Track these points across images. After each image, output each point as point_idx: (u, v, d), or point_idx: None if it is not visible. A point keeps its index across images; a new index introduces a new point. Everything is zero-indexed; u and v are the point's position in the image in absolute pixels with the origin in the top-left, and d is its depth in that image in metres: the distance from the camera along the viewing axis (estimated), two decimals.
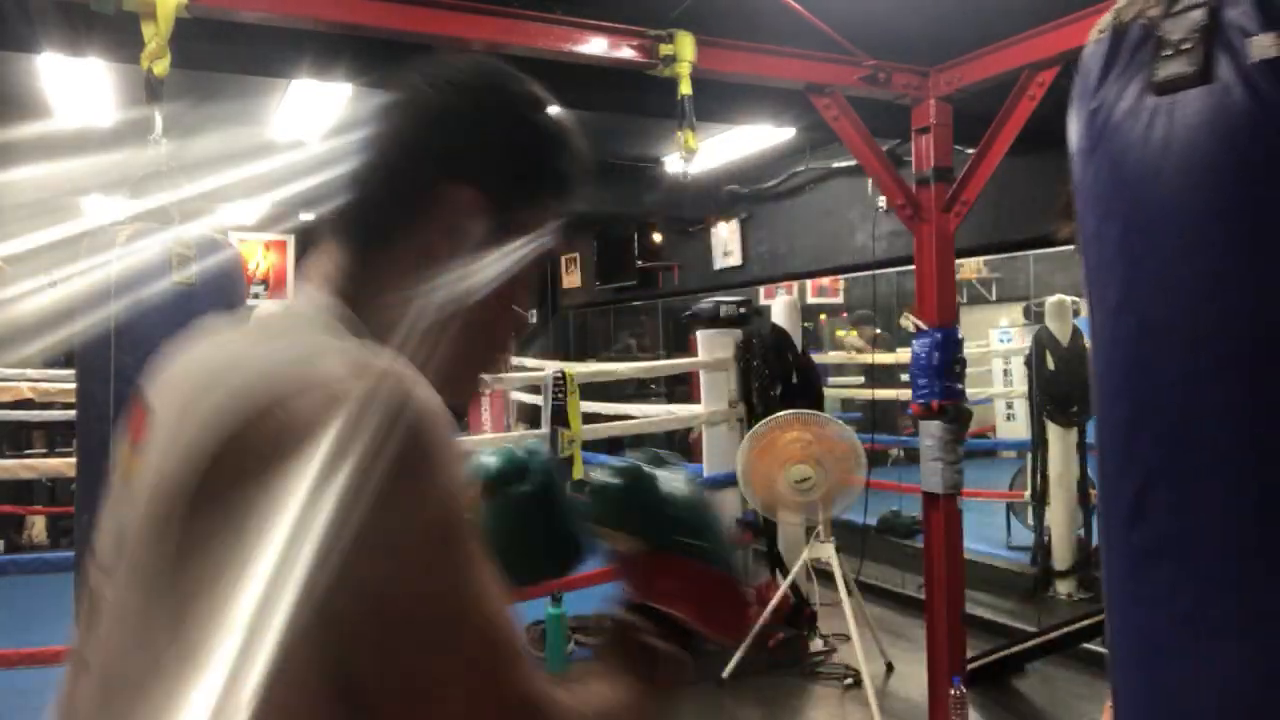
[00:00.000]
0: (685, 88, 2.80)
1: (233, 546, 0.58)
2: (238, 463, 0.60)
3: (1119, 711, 1.27)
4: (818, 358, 5.88)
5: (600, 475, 0.91)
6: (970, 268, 7.42)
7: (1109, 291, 1.24)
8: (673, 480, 0.89)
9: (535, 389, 4.81)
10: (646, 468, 0.90)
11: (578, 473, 4.68)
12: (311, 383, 0.62)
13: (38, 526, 6.96)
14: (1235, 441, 1.11)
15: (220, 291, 2.03)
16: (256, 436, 0.61)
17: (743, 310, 5.01)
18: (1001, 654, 4.11)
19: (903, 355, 5.58)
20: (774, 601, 4.33)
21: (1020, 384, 6.00)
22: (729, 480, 4.63)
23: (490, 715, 0.65)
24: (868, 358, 6.69)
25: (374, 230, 0.76)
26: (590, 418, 5.16)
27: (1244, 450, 1.11)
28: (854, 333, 7.46)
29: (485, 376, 0.83)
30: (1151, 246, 1.18)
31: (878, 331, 7.02)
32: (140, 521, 0.65)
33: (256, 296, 8.53)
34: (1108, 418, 1.26)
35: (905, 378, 5.52)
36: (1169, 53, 1.14)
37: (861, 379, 7.08)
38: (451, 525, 0.64)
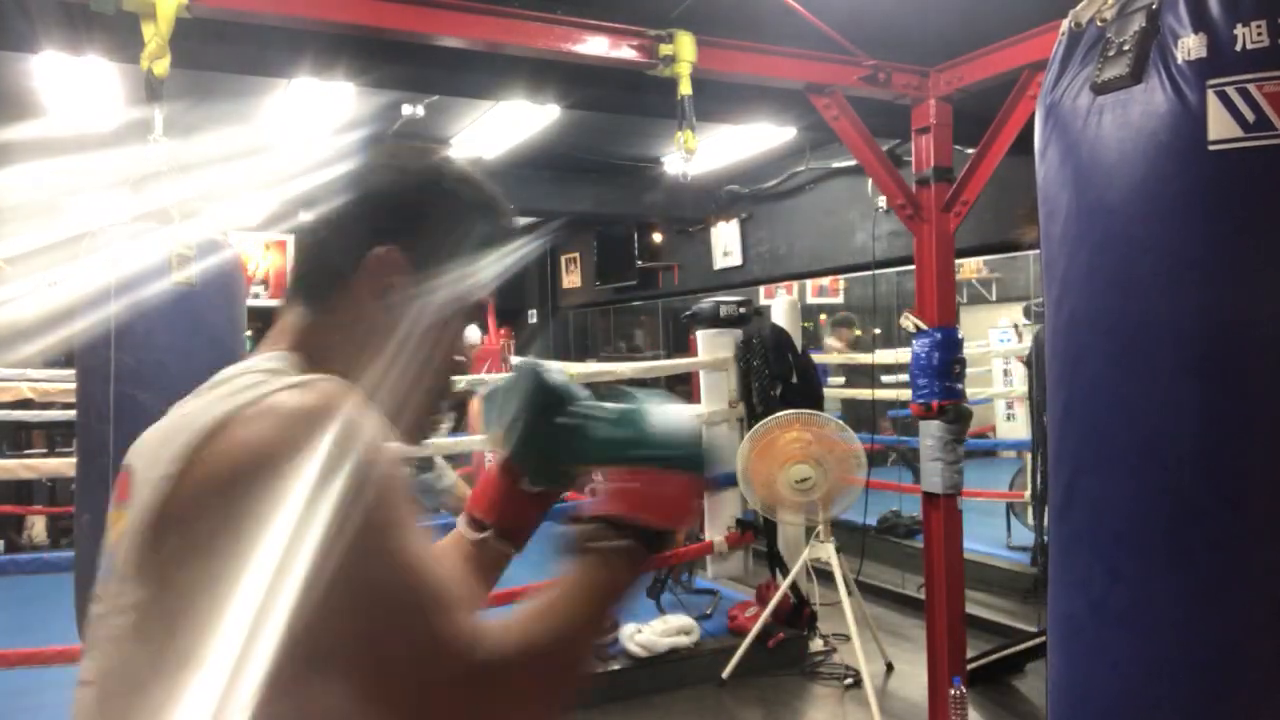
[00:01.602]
0: (685, 88, 2.80)
1: (204, 561, 0.70)
2: (196, 490, 0.72)
3: (1049, 690, 1.31)
4: (817, 358, 5.87)
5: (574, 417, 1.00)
6: (970, 268, 7.41)
7: (1052, 285, 1.28)
8: (611, 408, 0.97)
9: None
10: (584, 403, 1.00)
11: None
12: (253, 412, 0.73)
13: (38, 526, 6.96)
14: (1142, 440, 1.14)
15: (220, 291, 2.03)
16: (209, 465, 0.72)
17: (743, 310, 5.01)
18: (1001, 654, 4.11)
19: (882, 357, 5.59)
20: (774, 601, 4.33)
21: (1020, 384, 5.99)
22: (729, 480, 4.63)
23: (430, 665, 0.74)
24: (864, 358, 6.69)
25: (319, 292, 0.89)
26: None
27: (1150, 449, 1.14)
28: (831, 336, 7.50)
29: (434, 418, 0.96)
30: (1082, 241, 1.22)
31: (858, 333, 7.03)
32: (124, 556, 0.77)
33: (256, 296, 8.53)
34: (1051, 411, 1.30)
35: (886, 379, 5.56)
36: (1112, 53, 1.18)
37: (842, 379, 7.13)
38: (382, 513, 0.73)
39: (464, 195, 0.93)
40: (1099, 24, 1.23)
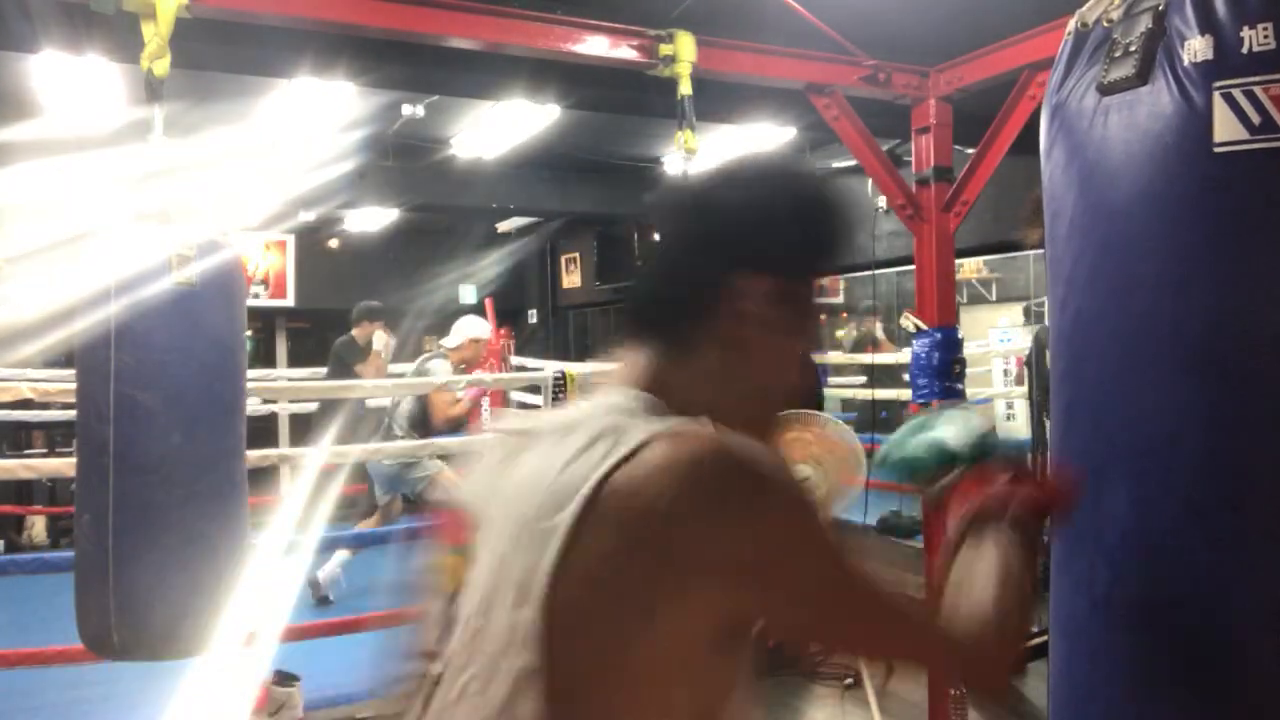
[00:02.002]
0: (685, 88, 2.80)
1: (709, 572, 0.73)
2: (680, 511, 0.72)
3: (1050, 691, 1.31)
4: (817, 358, 5.86)
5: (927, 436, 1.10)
6: (970, 268, 7.41)
7: (1057, 285, 1.28)
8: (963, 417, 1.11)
9: (535, 389, 4.80)
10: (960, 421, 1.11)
11: None
12: (710, 449, 0.74)
13: (38, 526, 6.95)
14: (1145, 440, 1.14)
15: (220, 291, 2.03)
16: (687, 498, 0.73)
17: None
18: None
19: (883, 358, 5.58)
20: None
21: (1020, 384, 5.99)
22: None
23: (915, 644, 0.86)
24: (864, 358, 6.68)
25: (677, 332, 0.85)
26: None
27: (1153, 449, 1.14)
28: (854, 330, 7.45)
29: (776, 432, 0.96)
30: (1087, 242, 1.22)
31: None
32: (520, 612, 0.74)
33: (256, 296, 8.52)
34: (1055, 409, 1.31)
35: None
36: (1118, 54, 1.17)
37: (864, 379, 7.06)
38: (804, 528, 0.78)
39: (820, 209, 0.88)
40: (1105, 24, 1.23)
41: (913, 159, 3.41)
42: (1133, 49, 1.16)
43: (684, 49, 2.79)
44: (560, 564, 0.72)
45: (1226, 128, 1.09)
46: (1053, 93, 1.29)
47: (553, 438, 0.81)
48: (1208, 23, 1.11)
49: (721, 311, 0.83)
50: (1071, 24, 1.29)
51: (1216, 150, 1.10)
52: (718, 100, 3.38)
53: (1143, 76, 1.15)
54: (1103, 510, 1.19)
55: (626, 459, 0.73)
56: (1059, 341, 1.28)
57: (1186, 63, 1.12)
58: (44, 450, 7.03)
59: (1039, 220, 1.55)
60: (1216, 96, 1.10)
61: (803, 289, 0.88)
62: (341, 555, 4.96)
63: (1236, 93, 1.09)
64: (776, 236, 0.85)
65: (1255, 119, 1.08)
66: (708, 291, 0.83)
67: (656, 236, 0.89)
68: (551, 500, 0.74)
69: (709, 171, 0.90)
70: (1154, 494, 1.15)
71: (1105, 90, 1.19)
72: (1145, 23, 1.16)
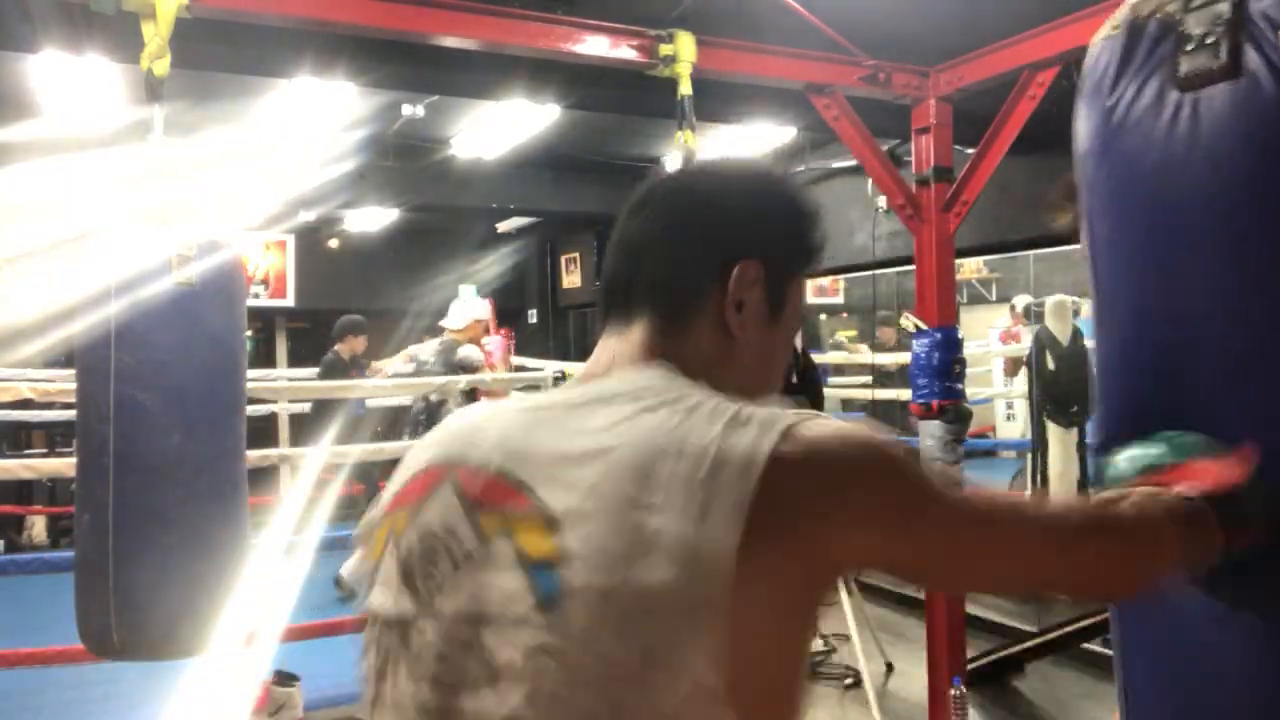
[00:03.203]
0: (685, 88, 2.80)
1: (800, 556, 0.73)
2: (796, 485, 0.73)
3: (1128, 692, 1.26)
4: (818, 358, 5.87)
5: None
6: (970, 268, 7.42)
7: (1121, 289, 1.21)
8: None
9: (535, 389, 4.81)
10: None
11: None
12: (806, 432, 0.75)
13: (38, 526, 6.96)
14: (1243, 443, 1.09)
15: (220, 291, 2.03)
16: (797, 474, 0.73)
17: None
18: (1001, 654, 4.11)
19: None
20: None
21: (1020, 384, 5.99)
22: None
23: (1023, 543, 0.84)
24: (862, 358, 6.68)
25: (675, 310, 0.88)
26: None
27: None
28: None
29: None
30: (1173, 243, 1.15)
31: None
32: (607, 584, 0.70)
33: (256, 296, 8.53)
34: (1110, 414, 1.24)
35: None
36: (1192, 47, 1.12)
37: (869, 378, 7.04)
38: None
39: (804, 205, 0.95)
40: (1161, 18, 1.17)
41: (913, 159, 3.41)
42: (1210, 40, 1.10)
43: (684, 49, 2.79)
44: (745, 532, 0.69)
45: None
46: (1102, 92, 1.22)
47: (591, 408, 0.80)
48: None
49: (718, 296, 0.87)
50: (1120, 16, 1.22)
51: None
52: (718, 100, 3.39)
53: (1232, 68, 1.10)
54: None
55: (784, 434, 0.74)
56: (1123, 350, 1.18)
57: None
58: (44, 450, 7.03)
59: (1068, 205, 1.50)
60: None
61: (794, 284, 0.92)
62: None
63: None
64: (775, 229, 0.92)
65: None
66: (707, 274, 0.87)
67: (644, 222, 0.94)
68: (665, 468, 0.72)
69: (703, 164, 0.95)
70: None
71: (1184, 85, 1.12)
72: (1220, 12, 1.10)
